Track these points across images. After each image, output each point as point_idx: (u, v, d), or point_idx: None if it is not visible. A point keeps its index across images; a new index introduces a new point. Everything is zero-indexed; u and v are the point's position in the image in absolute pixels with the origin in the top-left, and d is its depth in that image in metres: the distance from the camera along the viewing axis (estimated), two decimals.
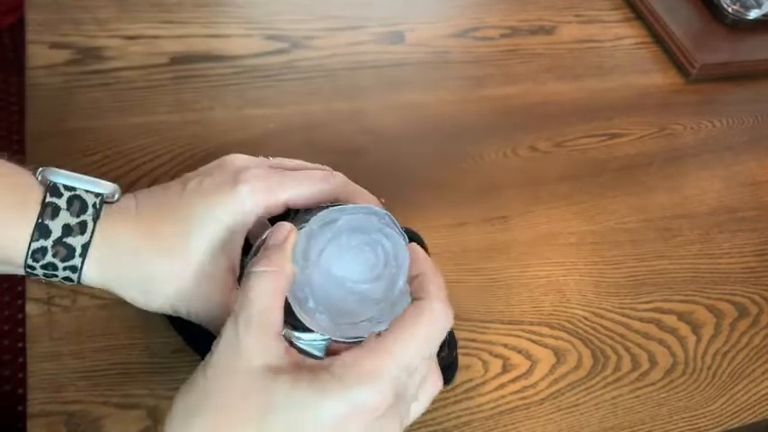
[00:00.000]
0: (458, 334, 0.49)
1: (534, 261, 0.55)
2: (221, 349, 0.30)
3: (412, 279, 0.34)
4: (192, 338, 0.45)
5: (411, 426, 0.45)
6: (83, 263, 0.35)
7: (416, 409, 0.34)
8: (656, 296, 0.56)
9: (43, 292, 0.46)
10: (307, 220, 0.36)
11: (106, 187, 0.36)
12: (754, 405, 0.51)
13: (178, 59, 0.62)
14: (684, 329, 0.54)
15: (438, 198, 0.58)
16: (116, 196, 0.36)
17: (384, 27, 0.70)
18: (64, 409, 0.42)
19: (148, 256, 0.36)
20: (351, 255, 0.35)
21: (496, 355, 0.50)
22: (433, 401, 0.46)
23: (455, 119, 0.64)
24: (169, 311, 0.38)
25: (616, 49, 0.75)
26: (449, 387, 0.47)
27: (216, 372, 0.30)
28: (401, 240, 0.36)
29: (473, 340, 0.50)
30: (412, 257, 0.35)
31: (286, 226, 0.35)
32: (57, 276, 0.36)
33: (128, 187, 0.45)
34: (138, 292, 0.37)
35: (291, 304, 0.34)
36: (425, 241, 0.51)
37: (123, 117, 0.56)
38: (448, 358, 0.46)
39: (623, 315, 0.54)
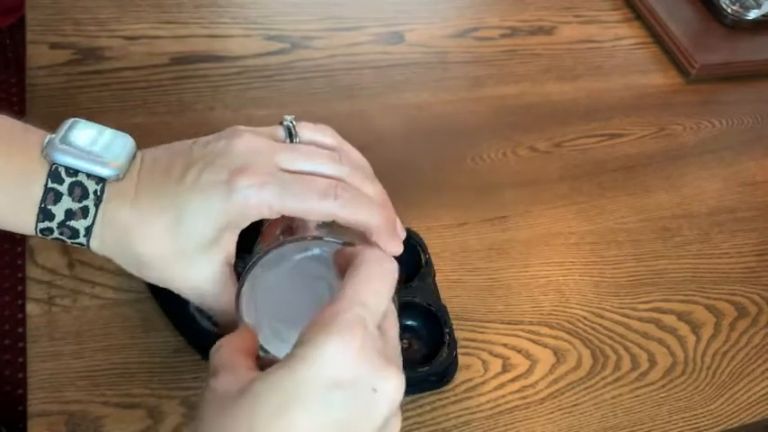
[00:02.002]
0: (458, 334, 0.49)
1: (534, 261, 0.55)
2: (207, 400, 0.31)
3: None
4: (193, 338, 0.45)
5: (411, 426, 0.45)
6: (88, 241, 0.36)
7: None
8: (656, 296, 0.56)
9: (44, 292, 0.46)
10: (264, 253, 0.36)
11: (111, 169, 0.36)
12: (754, 405, 0.51)
13: (179, 60, 0.62)
14: (684, 329, 0.54)
15: (438, 198, 0.58)
16: (119, 176, 0.37)
17: (384, 27, 0.70)
18: (64, 409, 0.42)
19: (143, 246, 0.37)
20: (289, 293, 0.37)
21: (496, 355, 0.50)
22: (433, 401, 0.47)
23: (455, 119, 0.64)
24: (163, 286, 0.39)
25: (615, 50, 0.75)
26: (448, 387, 0.47)
27: (206, 411, 0.31)
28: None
29: (473, 340, 0.50)
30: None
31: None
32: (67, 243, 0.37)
33: None
34: (134, 269, 0.38)
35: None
36: (425, 241, 0.51)
37: (124, 117, 0.56)
38: (448, 358, 0.46)
39: (623, 315, 0.54)
